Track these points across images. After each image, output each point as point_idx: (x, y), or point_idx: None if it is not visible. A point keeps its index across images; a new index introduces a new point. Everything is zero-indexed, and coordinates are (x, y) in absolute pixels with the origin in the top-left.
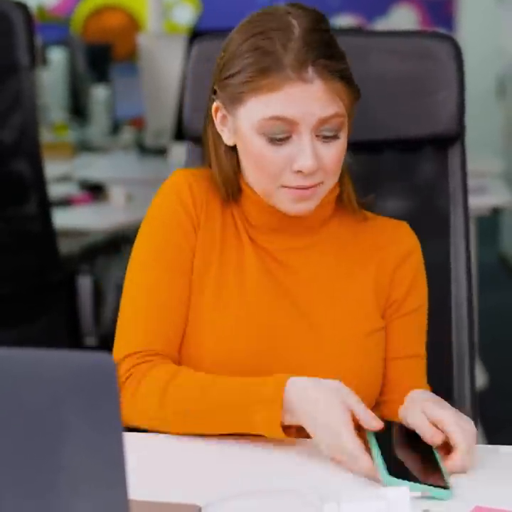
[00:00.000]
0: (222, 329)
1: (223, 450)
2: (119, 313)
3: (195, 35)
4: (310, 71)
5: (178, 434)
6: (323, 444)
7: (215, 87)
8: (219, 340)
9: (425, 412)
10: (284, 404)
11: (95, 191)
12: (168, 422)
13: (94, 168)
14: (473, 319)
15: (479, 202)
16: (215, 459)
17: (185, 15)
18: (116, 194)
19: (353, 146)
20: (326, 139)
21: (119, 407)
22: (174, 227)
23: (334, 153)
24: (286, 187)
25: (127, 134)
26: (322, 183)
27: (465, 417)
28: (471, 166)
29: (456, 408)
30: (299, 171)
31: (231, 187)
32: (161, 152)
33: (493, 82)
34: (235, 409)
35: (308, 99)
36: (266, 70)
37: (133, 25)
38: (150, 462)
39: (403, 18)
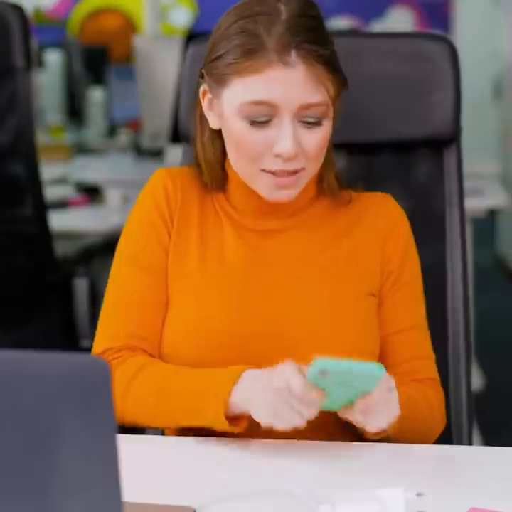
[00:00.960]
0: (206, 313)
1: (218, 452)
2: (101, 310)
3: (192, 37)
4: (293, 55)
5: (133, 425)
6: (271, 402)
7: (203, 71)
8: (204, 323)
9: None
10: (233, 394)
11: (91, 193)
12: (126, 414)
13: (91, 170)
14: (469, 321)
15: (476, 203)
16: (210, 460)
17: (182, 17)
18: (113, 196)
19: (349, 148)
20: (309, 124)
21: (113, 409)
22: (149, 231)
23: (316, 139)
24: (266, 171)
25: (123, 136)
26: (304, 169)
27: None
28: (467, 167)
29: (452, 410)
30: (279, 155)
31: (214, 172)
32: (157, 154)
33: (489, 84)
34: (187, 400)
35: (289, 84)
36: (250, 52)
37: (129, 27)
38: (144, 464)
39: (400, 20)
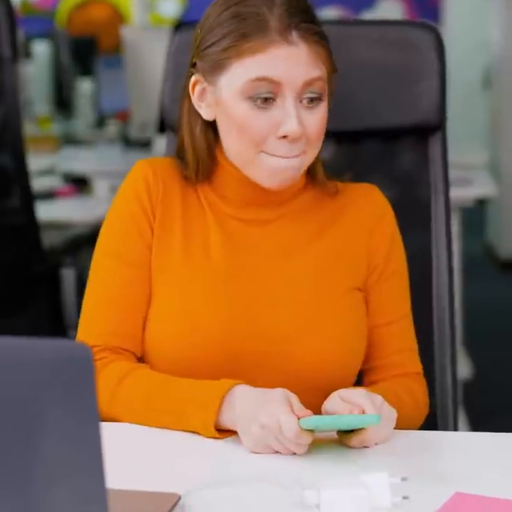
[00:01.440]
0: (191, 308)
1: (204, 439)
2: (82, 305)
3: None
4: (294, 35)
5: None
6: (257, 436)
7: (195, 60)
8: (189, 320)
9: (340, 396)
10: (223, 407)
11: (79, 184)
12: (113, 417)
13: (79, 161)
14: (454, 308)
15: (464, 193)
16: (196, 448)
17: (170, 8)
18: (101, 187)
19: (335, 136)
20: (310, 103)
21: (96, 396)
22: (131, 224)
23: (316, 120)
24: (267, 154)
25: (112, 127)
26: (304, 152)
27: (375, 394)
28: (456, 157)
29: (438, 398)
30: (284, 137)
31: (204, 164)
32: (145, 145)
33: (479, 75)
34: (175, 411)
35: (293, 62)
36: (250, 34)
37: (118, 18)
38: (130, 452)
39: (389, 11)
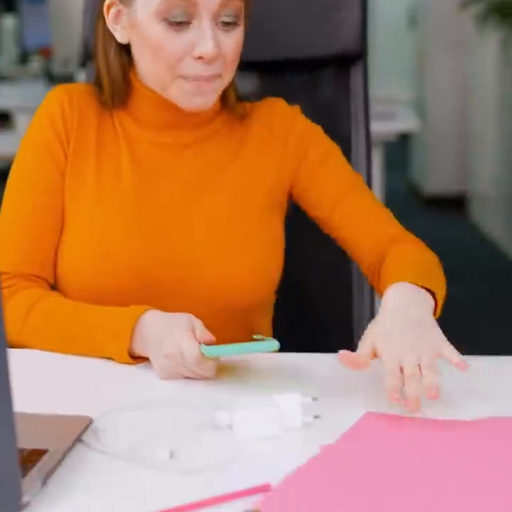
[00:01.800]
0: (103, 237)
1: (116, 364)
2: None
3: None
4: None
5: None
6: (163, 364)
7: None
8: (101, 248)
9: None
10: (134, 335)
11: (1, 119)
12: (24, 345)
13: (2, 96)
14: None
15: (387, 127)
16: (109, 373)
17: None
18: (23, 122)
19: (257, 66)
20: (226, 26)
21: (3, 321)
22: (44, 150)
23: (233, 41)
24: (183, 77)
25: (35, 64)
26: (220, 76)
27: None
28: (381, 92)
29: (355, 333)
30: (200, 58)
31: (118, 88)
32: (68, 80)
33: (404, 13)
34: (89, 339)
35: None
36: None
37: None
38: (41, 378)
39: None
